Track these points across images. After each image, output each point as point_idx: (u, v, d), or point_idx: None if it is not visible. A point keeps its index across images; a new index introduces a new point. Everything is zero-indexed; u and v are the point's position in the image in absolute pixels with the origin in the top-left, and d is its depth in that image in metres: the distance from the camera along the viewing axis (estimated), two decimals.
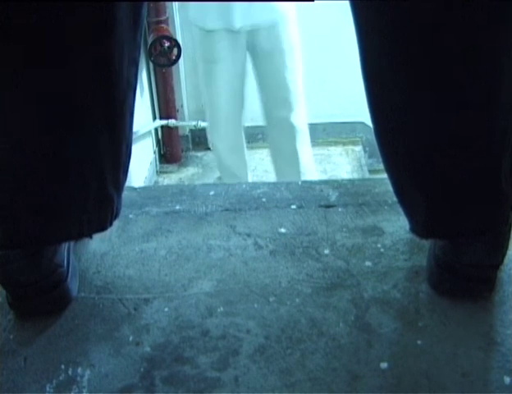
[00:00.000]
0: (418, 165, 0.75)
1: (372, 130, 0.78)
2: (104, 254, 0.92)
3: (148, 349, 0.75)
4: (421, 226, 0.80)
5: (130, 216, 1.02)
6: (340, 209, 1.02)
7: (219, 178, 2.52)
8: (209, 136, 2.29)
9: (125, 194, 0.88)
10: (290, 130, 2.16)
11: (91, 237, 0.92)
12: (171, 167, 2.96)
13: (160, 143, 3.00)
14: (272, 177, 2.75)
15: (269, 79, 2.12)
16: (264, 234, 0.96)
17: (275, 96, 2.14)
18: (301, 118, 2.17)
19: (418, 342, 0.75)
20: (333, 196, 1.05)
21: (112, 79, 0.72)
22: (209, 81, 2.15)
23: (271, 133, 2.25)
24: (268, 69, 2.11)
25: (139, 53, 0.77)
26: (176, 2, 2.70)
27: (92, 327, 0.78)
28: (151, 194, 1.09)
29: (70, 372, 0.72)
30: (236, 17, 1.97)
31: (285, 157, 2.24)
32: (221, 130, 2.24)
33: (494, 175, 0.74)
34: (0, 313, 0.81)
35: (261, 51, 2.08)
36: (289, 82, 2.10)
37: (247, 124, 2.47)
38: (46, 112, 0.70)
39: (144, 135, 2.71)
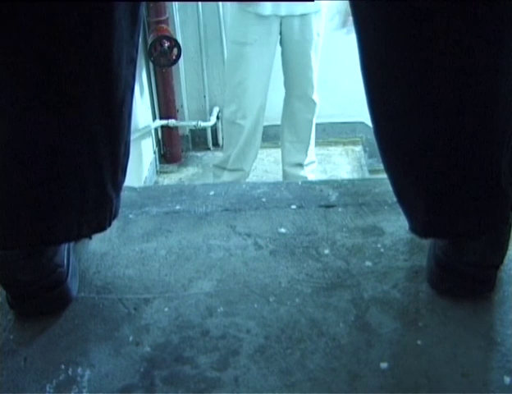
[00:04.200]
0: (418, 165, 0.75)
1: (372, 130, 0.78)
2: (104, 254, 0.92)
3: (148, 349, 0.75)
4: (420, 225, 0.80)
5: (130, 216, 1.02)
6: (340, 209, 1.02)
7: (218, 169, 2.60)
8: (229, 114, 2.46)
9: (125, 194, 0.88)
10: (311, 105, 2.47)
11: (90, 237, 0.92)
12: (171, 167, 2.96)
13: (160, 143, 3.00)
14: (271, 177, 2.76)
15: (296, 62, 2.38)
16: (264, 234, 0.96)
17: (300, 76, 2.42)
18: (317, 96, 2.47)
19: (418, 342, 0.74)
20: (333, 196, 1.05)
21: (111, 79, 0.72)
22: (240, 63, 2.34)
23: (290, 107, 2.51)
24: (296, 53, 2.36)
25: (137, 53, 0.77)
26: (176, 2, 2.71)
27: (92, 327, 0.78)
28: (151, 194, 1.09)
29: (70, 372, 0.72)
30: (270, 4, 2.20)
31: (300, 128, 2.53)
32: (247, 110, 2.42)
33: (494, 175, 0.74)
34: (0, 313, 0.81)
35: (291, 38, 2.31)
36: (313, 65, 2.38)
37: None
38: (44, 112, 0.70)
39: (143, 135, 2.71)
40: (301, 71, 2.40)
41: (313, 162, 2.62)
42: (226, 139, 2.59)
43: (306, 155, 2.57)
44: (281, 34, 2.32)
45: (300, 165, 2.58)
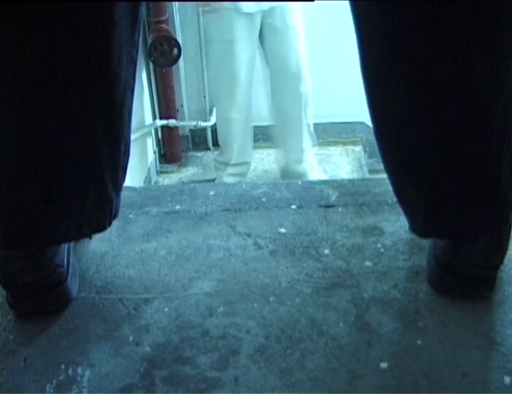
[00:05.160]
0: (418, 165, 0.75)
1: (372, 130, 0.78)
2: (104, 254, 0.92)
3: (148, 349, 0.75)
4: (420, 225, 0.80)
5: (130, 216, 1.02)
6: (340, 209, 1.02)
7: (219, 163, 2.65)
8: (220, 110, 2.54)
9: (125, 194, 0.88)
10: (297, 97, 2.45)
11: (90, 237, 0.92)
12: (171, 167, 2.96)
13: (160, 143, 3.00)
14: (271, 177, 2.76)
15: (280, 53, 2.38)
16: (264, 234, 0.96)
17: (284, 68, 2.40)
18: (306, 86, 2.45)
19: (418, 342, 0.75)
20: (333, 196, 1.05)
21: (111, 79, 0.72)
22: (228, 60, 2.36)
23: (277, 101, 2.51)
24: (279, 44, 2.36)
25: (138, 53, 0.77)
26: (176, 2, 2.70)
27: (92, 327, 0.78)
28: (151, 194, 1.09)
29: (70, 372, 0.72)
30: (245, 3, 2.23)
31: (290, 121, 2.52)
32: (235, 103, 2.45)
33: (494, 175, 0.74)
34: (0, 313, 0.81)
35: (273, 28, 2.32)
36: (297, 55, 2.37)
37: None
38: (45, 112, 0.70)
39: (144, 135, 2.71)
40: (285, 63, 2.39)
41: (311, 156, 2.64)
42: (223, 136, 2.61)
43: (302, 149, 2.58)
44: (262, 27, 2.34)
45: (299, 160, 2.60)
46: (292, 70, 2.40)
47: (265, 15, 2.31)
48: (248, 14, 2.26)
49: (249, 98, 2.47)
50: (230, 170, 2.59)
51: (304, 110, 2.50)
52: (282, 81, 2.44)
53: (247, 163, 2.64)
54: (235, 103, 2.45)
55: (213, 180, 2.69)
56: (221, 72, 2.45)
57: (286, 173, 2.61)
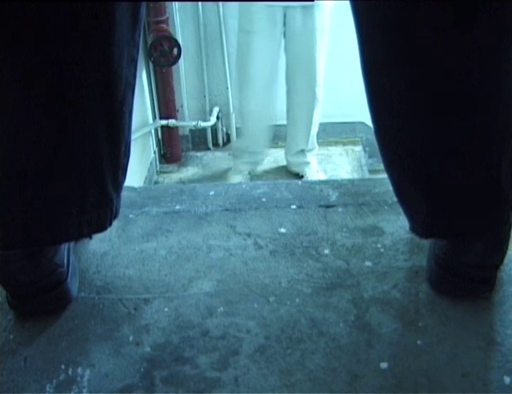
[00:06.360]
0: (418, 165, 0.75)
1: (372, 130, 0.78)
2: (104, 254, 0.92)
3: (148, 349, 0.75)
4: (421, 225, 0.80)
5: (130, 216, 1.02)
6: (340, 209, 1.02)
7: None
8: (239, 100, 2.56)
9: (125, 194, 0.88)
10: (312, 100, 2.49)
11: (91, 237, 0.92)
12: (171, 167, 2.96)
13: (160, 143, 3.00)
14: (271, 177, 2.76)
15: (299, 54, 2.39)
16: (264, 234, 0.96)
17: (302, 69, 2.43)
18: (321, 91, 2.49)
19: (418, 342, 0.75)
20: (333, 196, 1.05)
21: (111, 79, 0.72)
22: (245, 51, 2.38)
23: (292, 101, 2.54)
24: (299, 45, 2.37)
25: (138, 53, 0.77)
26: (176, 2, 2.70)
27: (92, 327, 0.78)
28: (151, 194, 1.09)
29: (70, 372, 0.72)
30: None
31: (301, 123, 2.57)
32: (244, 95, 2.48)
33: (494, 175, 0.74)
34: (0, 313, 0.81)
35: (295, 27, 2.32)
36: (317, 58, 2.38)
37: None
38: (45, 112, 0.70)
39: (144, 135, 2.71)
40: (304, 64, 2.40)
41: (314, 148, 2.68)
42: (240, 125, 2.68)
43: (305, 150, 2.63)
44: (284, 25, 2.34)
45: (300, 160, 2.63)
46: (309, 73, 2.41)
47: (287, 16, 2.31)
48: (267, 8, 2.25)
49: (265, 95, 2.46)
50: (246, 158, 2.63)
51: (314, 113, 2.53)
52: (296, 82, 2.46)
53: (261, 153, 2.65)
54: (245, 95, 2.46)
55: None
56: (238, 62, 2.48)
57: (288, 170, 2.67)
